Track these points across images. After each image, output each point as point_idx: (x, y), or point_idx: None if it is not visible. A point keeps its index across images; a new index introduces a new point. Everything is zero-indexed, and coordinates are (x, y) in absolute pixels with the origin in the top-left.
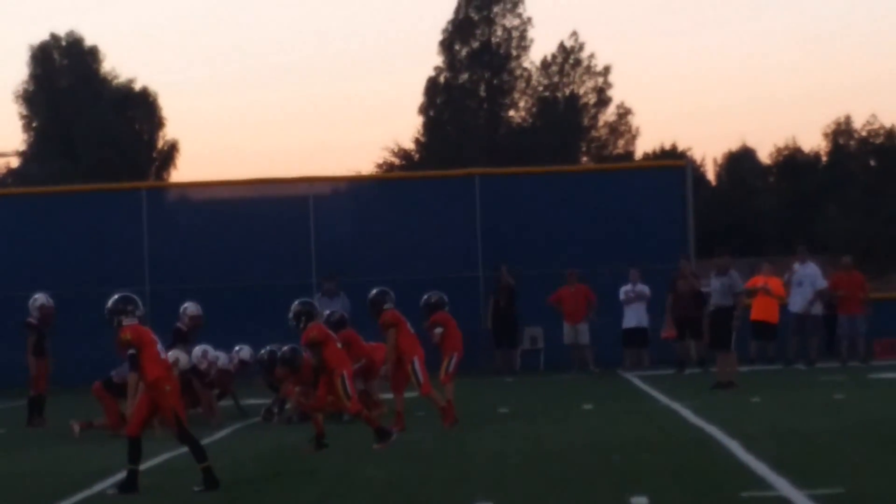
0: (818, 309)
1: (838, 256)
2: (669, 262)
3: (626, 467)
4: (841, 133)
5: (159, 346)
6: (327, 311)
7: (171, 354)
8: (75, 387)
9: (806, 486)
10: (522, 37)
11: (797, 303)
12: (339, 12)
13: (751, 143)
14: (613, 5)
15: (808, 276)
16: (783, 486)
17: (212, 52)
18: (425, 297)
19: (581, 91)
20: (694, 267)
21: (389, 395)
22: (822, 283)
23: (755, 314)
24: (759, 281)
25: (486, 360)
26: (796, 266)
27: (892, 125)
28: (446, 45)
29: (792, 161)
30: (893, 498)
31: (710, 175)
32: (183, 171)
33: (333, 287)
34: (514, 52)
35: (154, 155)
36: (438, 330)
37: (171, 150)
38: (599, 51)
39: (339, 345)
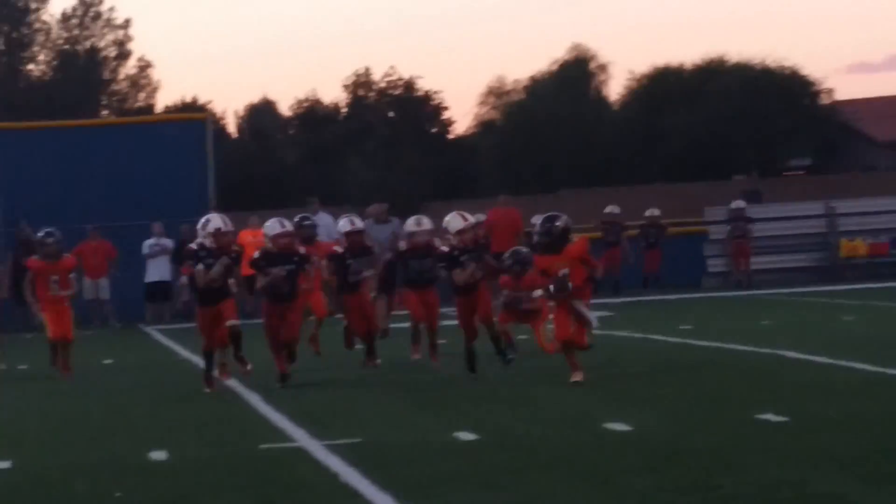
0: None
1: (362, 207)
2: (192, 216)
3: (146, 421)
4: (360, 85)
5: None
6: None
7: None
8: None
9: (324, 437)
10: None
11: None
12: None
13: (271, 96)
14: None
15: (324, 227)
16: (301, 436)
17: None
18: None
19: (101, 44)
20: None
21: None
22: (336, 233)
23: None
24: (247, 235)
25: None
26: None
27: (411, 76)
28: None
29: (313, 113)
30: (400, 447)
31: (232, 128)
32: None
33: None
34: (33, 5)
35: None
36: None
37: None
38: (119, 4)
39: None
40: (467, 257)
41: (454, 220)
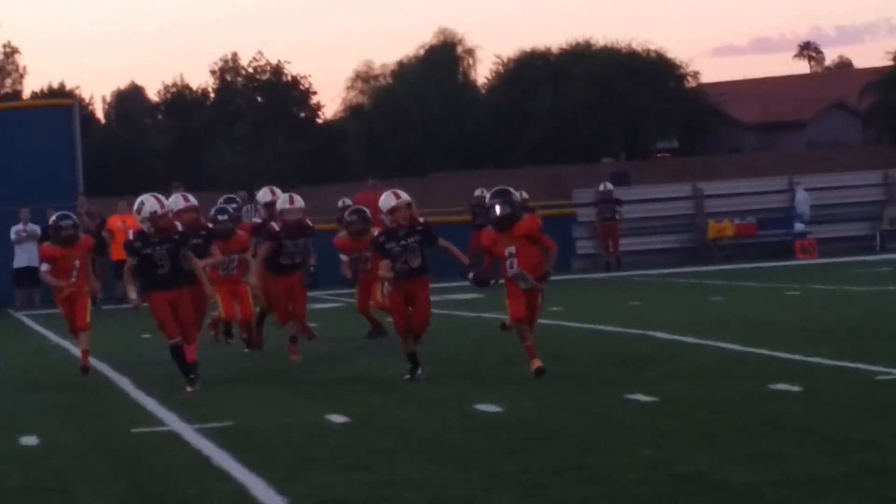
0: None
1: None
2: (60, 202)
3: (16, 407)
4: (228, 70)
5: None
6: None
7: None
8: None
9: (196, 421)
10: None
11: None
12: None
13: (139, 81)
14: None
15: None
16: (173, 420)
17: None
18: None
19: None
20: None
21: None
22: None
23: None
24: (116, 221)
25: None
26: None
27: (279, 61)
28: None
29: (180, 98)
30: (272, 430)
31: (100, 113)
32: None
33: None
34: None
35: None
36: None
37: None
38: None
39: None
40: (395, 245)
41: (386, 199)
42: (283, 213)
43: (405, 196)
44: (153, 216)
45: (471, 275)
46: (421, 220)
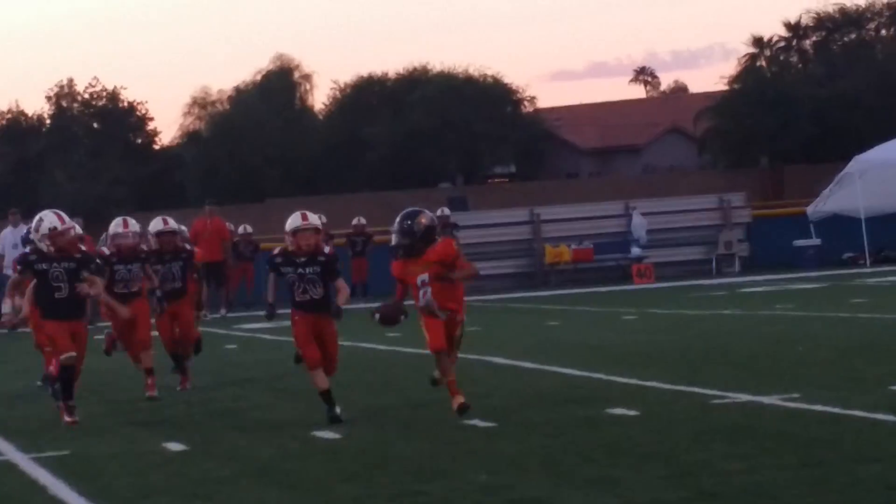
0: None
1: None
2: None
3: None
4: (64, 96)
5: None
6: None
7: None
8: None
9: (32, 450)
10: None
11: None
12: None
13: None
14: None
15: (8, 240)
16: (8, 450)
17: None
18: None
19: None
20: None
21: None
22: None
23: None
24: None
25: None
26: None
27: (115, 87)
28: None
29: (16, 125)
30: (109, 458)
31: None
32: None
33: None
34: None
35: None
36: None
37: None
38: None
39: None
40: (291, 271)
41: (293, 219)
42: (115, 237)
43: (314, 219)
44: (52, 233)
45: (377, 315)
46: (326, 250)
